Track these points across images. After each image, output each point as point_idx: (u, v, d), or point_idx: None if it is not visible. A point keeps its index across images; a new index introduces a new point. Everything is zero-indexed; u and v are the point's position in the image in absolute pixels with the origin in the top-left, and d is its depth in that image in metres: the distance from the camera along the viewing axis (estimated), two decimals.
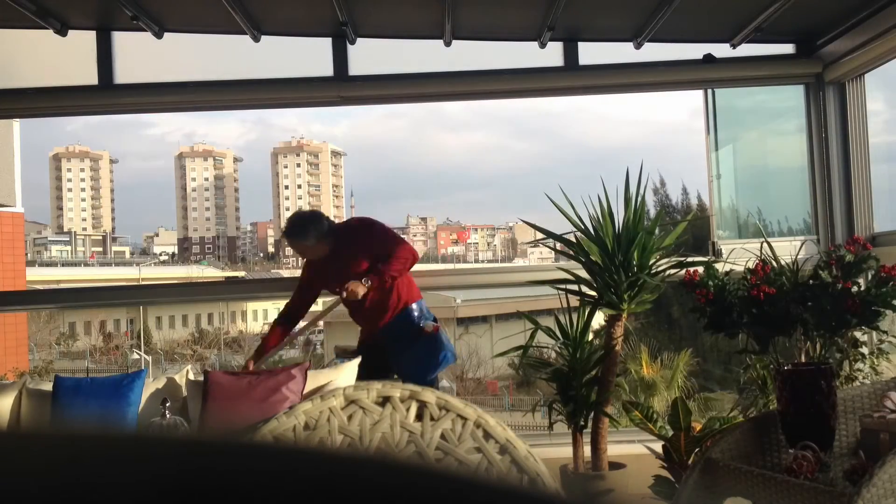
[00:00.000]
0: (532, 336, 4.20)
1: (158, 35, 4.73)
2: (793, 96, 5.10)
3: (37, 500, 0.32)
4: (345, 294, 4.25)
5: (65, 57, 4.97)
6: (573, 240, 4.05)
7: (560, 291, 4.12)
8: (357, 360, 4.61)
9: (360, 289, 4.19)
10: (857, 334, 3.85)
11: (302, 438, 1.66)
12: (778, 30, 4.71)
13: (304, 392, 4.08)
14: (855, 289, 3.24)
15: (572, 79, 4.98)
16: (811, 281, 3.27)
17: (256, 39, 4.73)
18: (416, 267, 4.67)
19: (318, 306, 4.96)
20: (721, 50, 4.90)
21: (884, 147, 5.13)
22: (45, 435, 0.37)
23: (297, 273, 4.68)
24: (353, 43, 4.88)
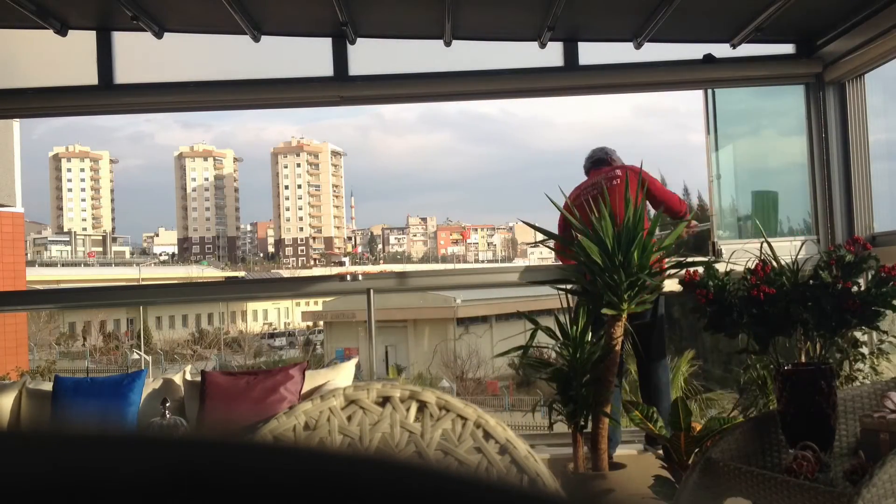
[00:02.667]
0: (532, 336, 4.21)
1: (158, 35, 4.73)
2: (792, 97, 5.10)
3: (35, 498, 0.32)
4: None
5: (65, 57, 4.97)
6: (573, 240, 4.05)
7: (560, 291, 4.12)
8: (355, 360, 4.62)
9: None
10: (857, 334, 3.85)
11: (302, 438, 1.66)
12: (778, 30, 4.71)
13: (302, 392, 4.08)
14: (855, 289, 3.24)
15: (572, 79, 4.98)
16: (811, 281, 3.27)
17: (256, 39, 4.73)
18: (415, 267, 4.67)
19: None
20: (721, 50, 4.90)
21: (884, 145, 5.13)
22: (45, 435, 0.37)
23: (298, 273, 4.69)
24: (353, 43, 4.88)
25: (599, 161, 4.71)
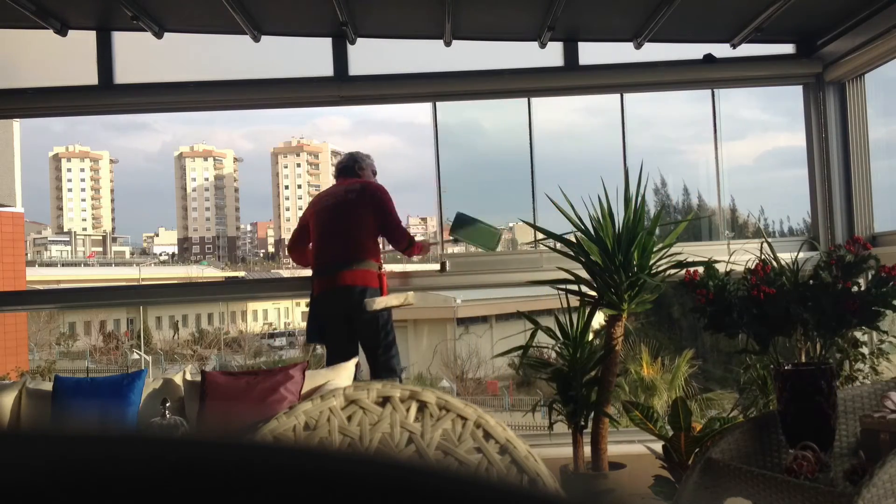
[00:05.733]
0: (532, 336, 4.20)
1: (158, 35, 4.73)
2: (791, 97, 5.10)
3: (35, 498, 0.32)
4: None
5: (65, 57, 4.97)
6: (573, 240, 4.05)
7: (560, 291, 4.12)
8: (355, 360, 4.62)
9: None
10: (857, 334, 3.85)
11: (302, 438, 1.66)
12: (778, 30, 4.71)
13: (302, 392, 4.08)
14: (855, 289, 3.24)
15: (572, 79, 4.99)
16: (811, 281, 3.27)
17: (256, 39, 4.73)
18: (415, 266, 4.69)
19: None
20: (721, 50, 4.90)
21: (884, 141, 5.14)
22: (45, 434, 0.37)
23: (298, 273, 4.74)
24: (353, 43, 4.88)
25: (347, 170, 4.84)
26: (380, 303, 4.45)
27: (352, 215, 4.60)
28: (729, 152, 5.35)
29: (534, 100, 5.11)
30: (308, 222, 4.84)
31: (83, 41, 4.88)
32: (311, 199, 4.88)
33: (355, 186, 4.69)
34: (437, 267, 5.05)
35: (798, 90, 5.08)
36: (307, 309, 4.86)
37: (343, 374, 4.35)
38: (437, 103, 5.07)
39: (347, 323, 4.52)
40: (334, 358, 4.54)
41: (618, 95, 5.11)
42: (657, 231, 4.07)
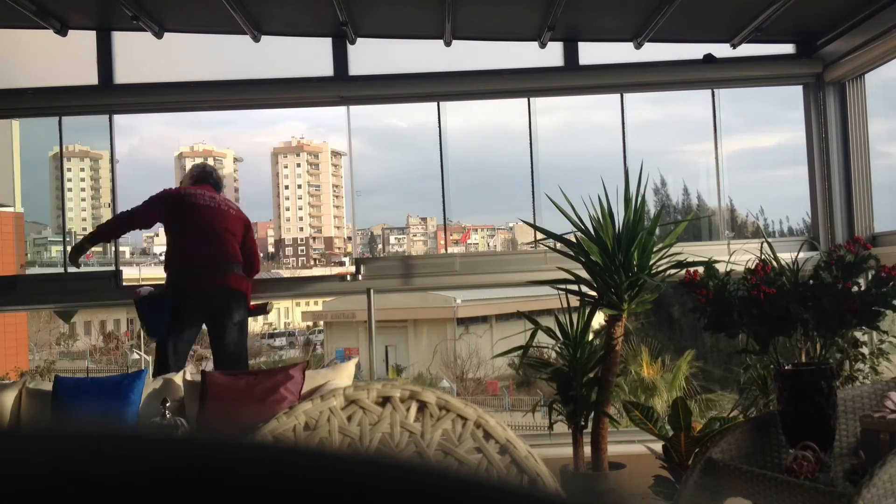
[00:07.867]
0: (532, 336, 4.20)
1: (158, 35, 4.73)
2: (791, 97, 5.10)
3: (35, 496, 0.32)
4: None
5: (65, 57, 4.97)
6: (573, 240, 4.05)
7: (560, 291, 4.12)
8: (355, 360, 4.63)
9: None
10: (858, 334, 3.84)
11: (302, 438, 1.66)
12: (778, 30, 4.71)
13: (302, 392, 4.08)
14: (855, 289, 3.24)
15: (572, 79, 4.99)
16: (811, 281, 3.26)
17: (256, 39, 4.73)
18: (415, 262, 4.67)
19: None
20: (721, 50, 4.90)
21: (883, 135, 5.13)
22: (45, 434, 0.37)
23: (298, 273, 4.73)
24: (353, 43, 4.88)
25: (207, 178, 4.80)
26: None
27: (229, 229, 4.62)
28: (699, 153, 5.32)
29: (502, 102, 5.11)
30: (166, 215, 4.74)
31: (83, 41, 4.88)
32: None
33: (230, 205, 4.73)
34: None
35: (747, 92, 5.11)
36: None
37: (343, 374, 4.35)
38: (386, 107, 5.03)
39: (208, 325, 4.57)
40: (174, 357, 4.49)
41: (612, 96, 5.11)
42: (657, 231, 4.07)
